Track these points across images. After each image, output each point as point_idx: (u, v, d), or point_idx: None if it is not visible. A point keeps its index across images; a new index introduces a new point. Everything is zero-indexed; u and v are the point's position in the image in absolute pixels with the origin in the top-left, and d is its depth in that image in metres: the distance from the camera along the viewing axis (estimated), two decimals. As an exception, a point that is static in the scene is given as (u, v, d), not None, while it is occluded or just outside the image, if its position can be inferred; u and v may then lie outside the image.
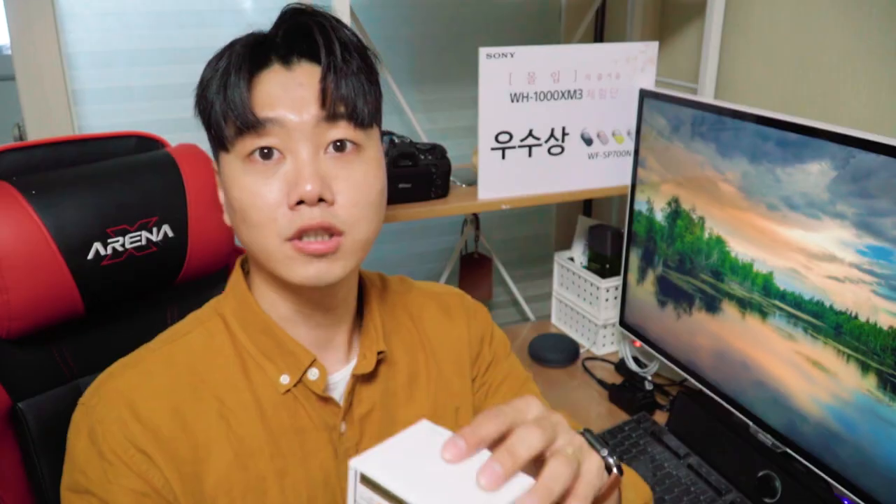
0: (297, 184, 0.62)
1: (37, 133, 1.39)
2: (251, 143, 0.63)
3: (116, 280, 0.89)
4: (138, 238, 0.89)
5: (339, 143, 0.65)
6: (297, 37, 0.65)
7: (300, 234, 0.63)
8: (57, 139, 0.93)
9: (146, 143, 1.00)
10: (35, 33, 1.35)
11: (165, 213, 0.91)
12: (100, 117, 1.49)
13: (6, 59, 1.44)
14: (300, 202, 0.63)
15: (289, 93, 0.63)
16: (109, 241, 0.87)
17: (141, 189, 0.90)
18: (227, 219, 0.71)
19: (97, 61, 1.47)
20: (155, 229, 0.91)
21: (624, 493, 0.67)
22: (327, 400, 0.72)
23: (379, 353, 0.76)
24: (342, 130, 0.65)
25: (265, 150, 0.63)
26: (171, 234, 0.92)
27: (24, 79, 1.36)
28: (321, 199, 0.63)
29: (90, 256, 0.85)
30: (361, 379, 0.75)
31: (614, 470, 0.57)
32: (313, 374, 0.71)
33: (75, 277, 0.84)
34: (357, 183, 0.65)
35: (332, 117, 0.64)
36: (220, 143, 0.66)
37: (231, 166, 0.65)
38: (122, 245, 0.88)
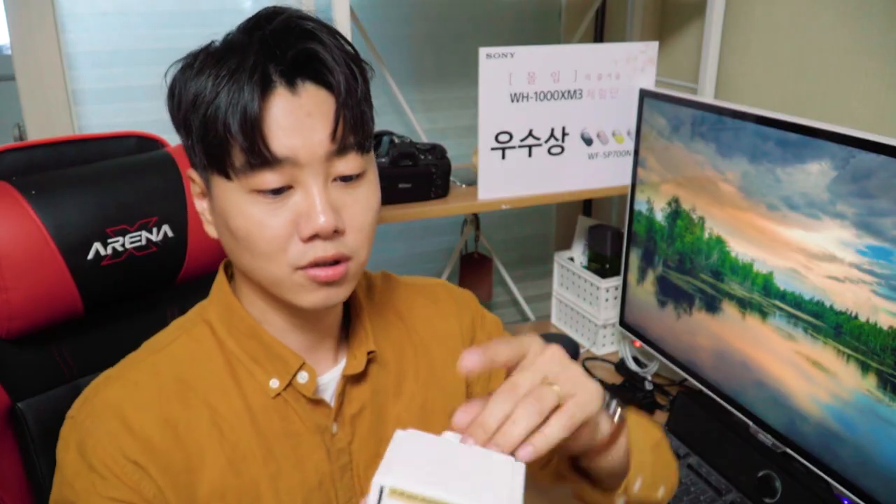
0: (311, 217, 0.61)
1: (37, 133, 1.39)
2: (260, 179, 0.60)
3: (116, 280, 0.89)
4: (138, 238, 0.89)
5: (347, 177, 0.64)
6: (300, 57, 0.61)
7: (312, 264, 0.63)
8: (57, 139, 0.93)
9: (146, 143, 1.00)
10: (35, 33, 1.35)
11: (165, 213, 0.91)
12: (100, 117, 1.49)
13: (6, 59, 1.43)
14: (314, 236, 0.62)
15: (298, 124, 0.60)
16: (109, 241, 0.87)
17: (141, 189, 0.90)
18: (211, 231, 0.69)
19: (97, 61, 1.46)
20: (155, 229, 0.90)
21: (632, 434, 0.69)
22: (318, 402, 0.72)
23: (369, 353, 0.75)
24: (350, 163, 0.63)
25: (277, 188, 0.61)
26: (170, 234, 0.92)
27: (24, 79, 1.36)
28: (335, 231, 0.62)
29: (90, 256, 0.85)
30: (351, 379, 0.75)
31: (618, 414, 0.65)
32: (303, 377, 0.71)
33: (75, 277, 0.84)
34: (362, 208, 0.65)
35: (342, 150, 0.63)
36: (219, 170, 0.62)
37: (232, 194, 0.62)
38: (122, 245, 0.88)
